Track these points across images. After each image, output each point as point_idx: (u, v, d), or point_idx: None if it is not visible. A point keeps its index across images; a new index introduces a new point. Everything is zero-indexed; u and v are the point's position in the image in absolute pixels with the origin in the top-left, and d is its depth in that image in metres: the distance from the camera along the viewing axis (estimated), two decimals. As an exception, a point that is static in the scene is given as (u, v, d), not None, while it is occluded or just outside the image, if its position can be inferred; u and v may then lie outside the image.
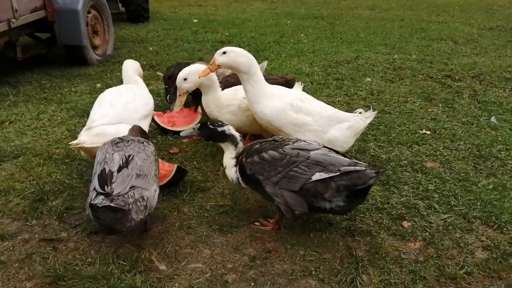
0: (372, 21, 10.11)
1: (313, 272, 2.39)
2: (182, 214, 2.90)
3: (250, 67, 3.04)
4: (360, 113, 3.27)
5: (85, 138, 2.93)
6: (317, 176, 2.38)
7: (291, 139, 2.62)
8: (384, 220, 2.84)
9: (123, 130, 3.01)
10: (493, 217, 2.85)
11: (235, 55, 3.04)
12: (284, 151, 2.48)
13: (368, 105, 4.83)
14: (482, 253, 2.56)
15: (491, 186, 3.21)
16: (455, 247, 2.60)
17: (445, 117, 4.51)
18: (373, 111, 3.30)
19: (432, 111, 4.68)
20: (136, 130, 2.90)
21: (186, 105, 4.04)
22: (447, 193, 3.14)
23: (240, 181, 2.67)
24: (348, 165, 2.40)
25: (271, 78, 4.14)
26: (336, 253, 2.55)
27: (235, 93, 3.52)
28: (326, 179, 2.38)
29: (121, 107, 3.22)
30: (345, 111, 3.41)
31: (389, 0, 13.68)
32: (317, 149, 2.50)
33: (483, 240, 2.66)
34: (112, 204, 2.18)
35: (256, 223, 2.79)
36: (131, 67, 3.78)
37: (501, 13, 11.14)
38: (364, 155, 3.69)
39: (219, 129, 2.73)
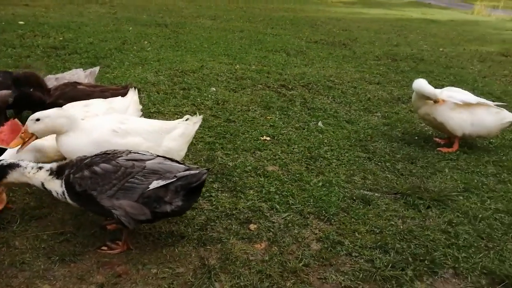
0: (214, 31, 10.51)
1: (167, 289, 2.38)
2: (12, 249, 2.56)
3: (71, 124, 2.78)
4: (187, 119, 3.25)
5: None
6: (155, 184, 2.46)
7: (124, 151, 2.60)
8: (233, 226, 3.00)
9: None
10: (323, 211, 3.27)
11: (51, 120, 2.73)
12: (118, 163, 2.47)
13: (214, 114, 5.03)
14: (316, 245, 2.91)
15: (320, 184, 3.68)
16: (294, 242, 2.91)
17: (281, 123, 4.98)
18: (199, 115, 3.30)
19: (270, 118, 5.13)
20: None
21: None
22: (286, 193, 3.48)
23: (67, 196, 2.50)
24: (184, 171, 2.55)
25: (111, 89, 3.96)
26: (189, 265, 2.59)
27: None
28: (166, 184, 2.47)
29: None
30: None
31: (229, 12, 14.41)
32: (152, 159, 2.57)
33: (316, 233, 3.03)
34: None
35: (103, 248, 2.63)
36: None
37: (323, 28, 12.79)
38: (213, 164, 3.82)
39: None
